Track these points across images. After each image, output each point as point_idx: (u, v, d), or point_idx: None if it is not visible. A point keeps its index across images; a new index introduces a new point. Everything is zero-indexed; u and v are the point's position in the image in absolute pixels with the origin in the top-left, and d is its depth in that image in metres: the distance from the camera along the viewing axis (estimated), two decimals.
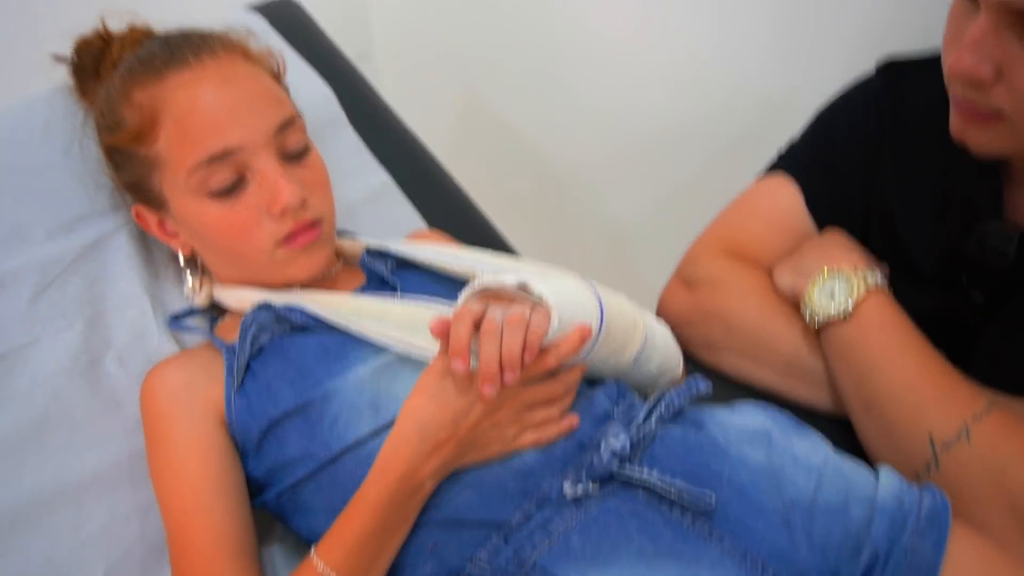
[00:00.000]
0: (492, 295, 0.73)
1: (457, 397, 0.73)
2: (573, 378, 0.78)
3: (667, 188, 1.59)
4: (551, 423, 0.76)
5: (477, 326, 0.70)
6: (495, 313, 0.70)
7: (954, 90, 0.83)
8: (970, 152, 0.85)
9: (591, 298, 0.78)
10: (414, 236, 1.05)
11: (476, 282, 0.73)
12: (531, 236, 1.37)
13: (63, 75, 0.98)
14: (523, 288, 0.72)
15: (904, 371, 0.88)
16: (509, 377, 0.68)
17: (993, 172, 0.91)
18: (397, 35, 1.77)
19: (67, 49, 0.96)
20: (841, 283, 0.94)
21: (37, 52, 0.94)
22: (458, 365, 0.69)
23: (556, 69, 1.60)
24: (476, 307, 0.71)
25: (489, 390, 0.69)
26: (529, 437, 0.76)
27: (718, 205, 1.14)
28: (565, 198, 1.71)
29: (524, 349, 0.68)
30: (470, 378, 0.71)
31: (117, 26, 0.96)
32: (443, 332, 0.69)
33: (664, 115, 1.52)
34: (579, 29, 1.53)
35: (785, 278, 1.01)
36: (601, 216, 1.70)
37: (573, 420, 0.77)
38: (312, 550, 0.74)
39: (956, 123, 0.85)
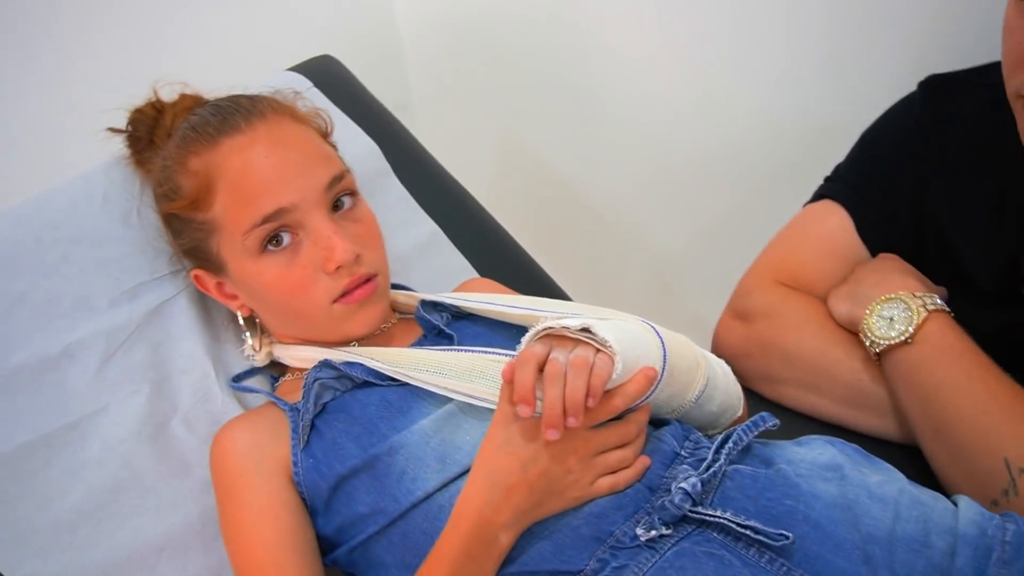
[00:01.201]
0: (555, 338, 0.73)
1: (524, 445, 0.72)
2: (643, 418, 0.77)
3: (709, 219, 1.59)
4: (625, 467, 0.76)
5: (541, 369, 0.70)
6: (559, 356, 0.70)
7: None
8: None
9: (653, 340, 0.78)
10: (465, 285, 1.06)
11: (539, 325, 0.73)
12: (576, 274, 1.37)
13: (119, 146, 1.00)
14: (586, 331, 0.72)
15: (973, 393, 0.86)
16: (572, 421, 0.68)
17: None
18: (432, 83, 1.80)
19: (122, 121, 0.99)
20: (900, 308, 0.93)
21: (93, 125, 0.97)
22: (523, 410, 0.69)
23: (592, 105, 1.61)
24: (539, 350, 0.71)
25: (552, 435, 0.68)
26: (606, 482, 0.75)
27: (762, 233, 1.13)
28: (608, 234, 1.71)
29: (588, 394, 0.68)
30: (537, 424, 0.72)
31: (169, 95, 0.99)
32: (511, 377, 0.70)
33: (703, 145, 1.52)
34: (614, 63, 1.53)
35: (841, 306, 1.00)
36: (645, 249, 1.70)
37: (646, 461, 0.77)
38: None
39: None
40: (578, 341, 0.72)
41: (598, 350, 0.71)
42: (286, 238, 0.86)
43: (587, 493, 0.75)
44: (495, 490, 0.72)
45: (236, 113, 0.88)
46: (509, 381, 0.71)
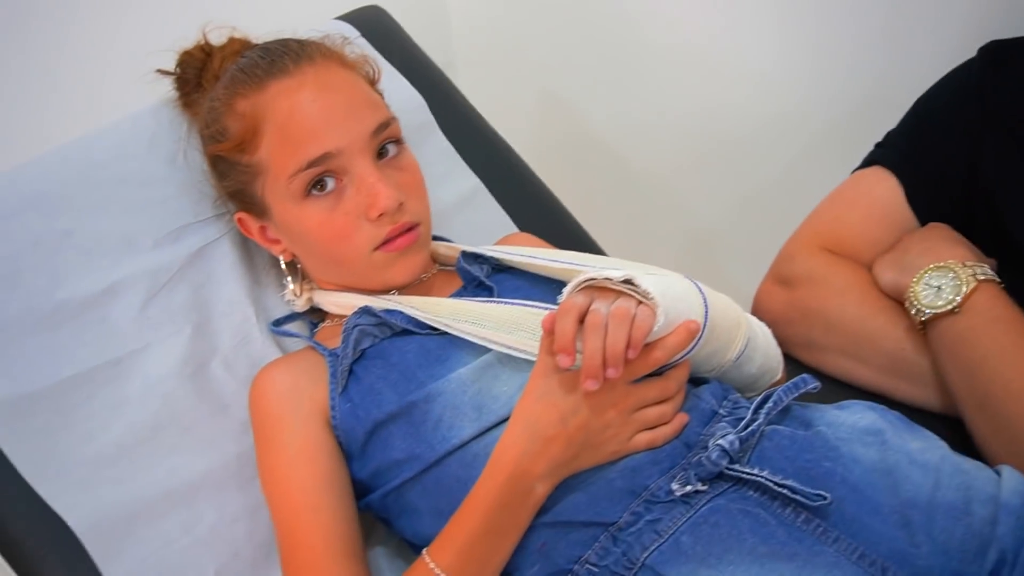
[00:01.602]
0: (596, 290, 0.72)
1: (564, 396, 0.72)
2: (683, 375, 0.77)
3: (752, 188, 1.56)
4: (664, 423, 0.76)
5: (582, 321, 0.70)
6: (600, 307, 0.69)
7: None
8: None
9: (696, 295, 0.77)
10: (506, 240, 1.06)
11: (581, 276, 0.73)
12: (615, 237, 1.35)
13: (167, 88, 1.01)
14: (628, 283, 0.71)
15: (1020, 365, 0.84)
16: (612, 372, 0.68)
17: None
18: (477, 40, 1.78)
19: (170, 63, 0.99)
20: (948, 277, 0.91)
21: (142, 67, 0.98)
22: (563, 360, 0.69)
23: (637, 69, 1.59)
24: (581, 301, 0.70)
25: (591, 385, 0.68)
26: (644, 438, 0.75)
27: (807, 204, 1.11)
28: (649, 197, 1.70)
29: (628, 345, 0.68)
30: (577, 376, 0.71)
31: (217, 39, 0.99)
32: (551, 328, 0.69)
33: (750, 113, 1.49)
34: (662, 26, 1.51)
35: (887, 273, 0.98)
36: (686, 217, 1.68)
37: (684, 418, 0.76)
38: (424, 552, 0.75)
39: None
40: (620, 293, 0.71)
41: (640, 302, 0.70)
42: (330, 183, 0.86)
43: (625, 448, 0.74)
44: (533, 441, 0.72)
45: (285, 56, 0.88)
46: (549, 332, 0.71)
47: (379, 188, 0.85)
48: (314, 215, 0.86)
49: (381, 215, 0.85)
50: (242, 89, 0.88)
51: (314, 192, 0.86)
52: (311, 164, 0.84)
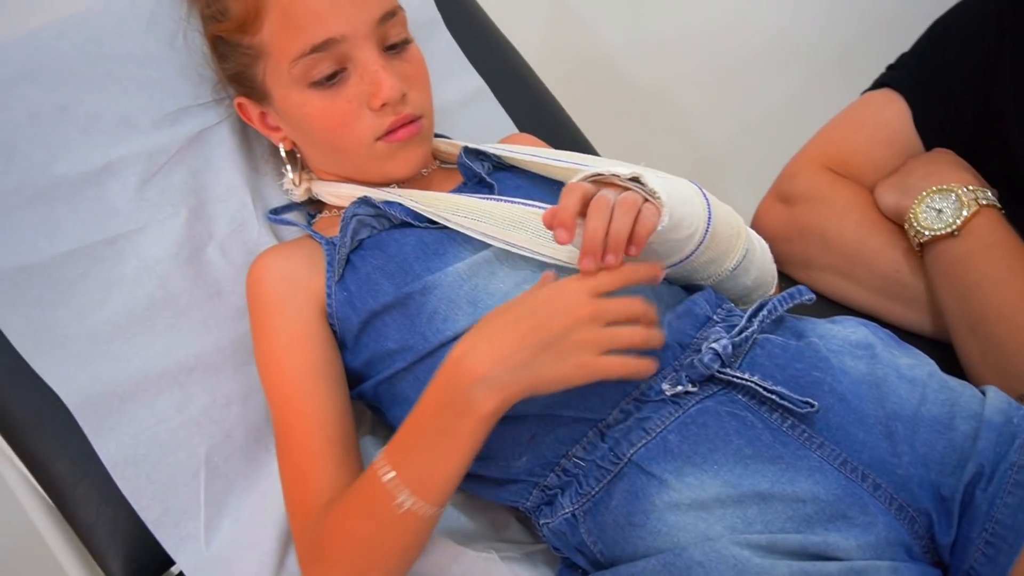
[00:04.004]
0: (604, 184, 0.72)
1: (529, 296, 0.70)
2: (650, 308, 0.71)
3: (761, 110, 1.55)
4: (635, 344, 0.69)
5: (587, 205, 0.69)
6: (608, 193, 0.69)
7: None
8: None
9: (700, 200, 0.77)
10: (509, 139, 1.05)
11: (588, 170, 0.72)
12: (617, 149, 1.34)
13: None
14: (635, 182, 0.71)
15: (1014, 290, 0.85)
16: (611, 258, 0.67)
17: None
18: None
19: None
20: (949, 200, 0.91)
21: None
22: (561, 235, 0.67)
23: None
24: (588, 186, 0.69)
25: (588, 264, 0.67)
26: (616, 360, 0.68)
27: (815, 127, 1.10)
28: (655, 118, 1.68)
29: (631, 241, 0.67)
30: (548, 277, 0.69)
31: None
32: (551, 223, 0.69)
33: (762, 34, 1.47)
34: None
35: (889, 195, 0.98)
36: (692, 138, 1.67)
37: (653, 366, 0.70)
38: (383, 449, 0.73)
39: None
40: (627, 189, 0.71)
41: (646, 200, 0.70)
42: (333, 70, 0.84)
43: (593, 365, 0.67)
44: (481, 338, 0.68)
45: None
46: (549, 224, 0.70)
47: (382, 77, 0.83)
48: (315, 102, 0.85)
49: (384, 105, 0.84)
50: None
51: (317, 78, 0.84)
52: (314, 49, 0.82)
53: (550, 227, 0.69)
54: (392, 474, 0.70)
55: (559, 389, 0.68)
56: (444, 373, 0.69)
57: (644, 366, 0.69)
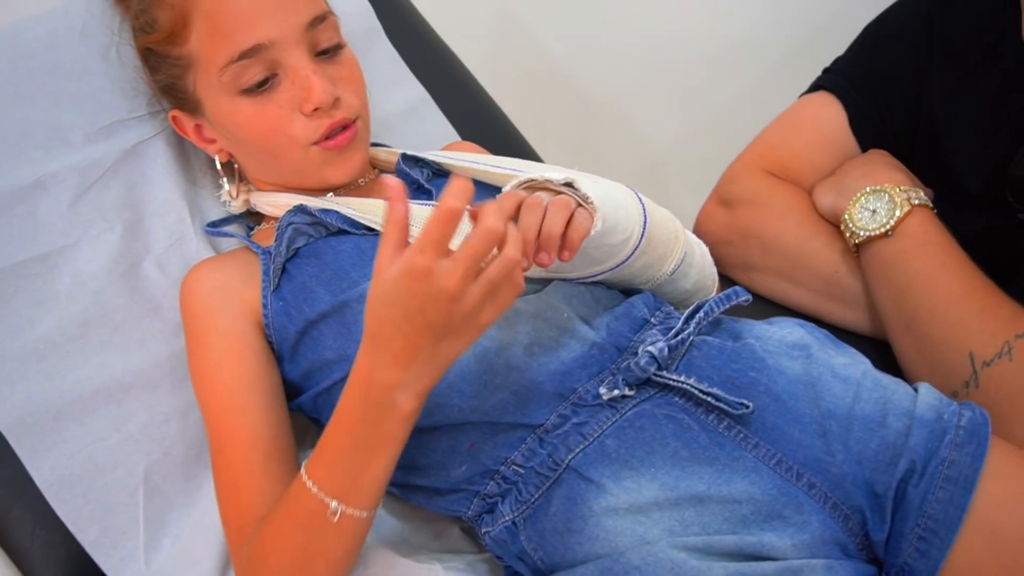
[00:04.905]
0: (538, 189, 0.72)
1: (406, 297, 0.64)
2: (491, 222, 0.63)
3: (705, 114, 1.56)
4: (505, 275, 0.64)
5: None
6: (542, 195, 0.68)
7: None
8: None
9: (636, 205, 0.77)
10: (449, 147, 1.05)
11: (522, 176, 0.72)
12: (562, 157, 1.35)
13: None
14: (569, 187, 0.71)
15: (946, 288, 0.86)
16: (544, 257, 0.66)
17: None
18: None
19: None
20: (883, 200, 0.93)
21: None
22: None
23: None
24: (522, 192, 0.69)
25: (523, 263, 0.64)
26: (489, 310, 0.64)
27: (753, 132, 1.12)
28: (599, 119, 1.69)
29: (563, 246, 0.67)
30: (410, 270, 0.62)
31: None
32: (444, 216, 0.62)
33: (706, 38, 1.48)
34: None
35: (826, 197, 1.00)
36: (636, 140, 1.67)
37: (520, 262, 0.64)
38: (304, 463, 0.72)
39: None
40: (561, 193, 0.71)
41: (579, 205, 0.70)
42: (264, 76, 0.83)
43: (488, 319, 0.65)
44: (380, 354, 0.65)
45: None
46: (447, 220, 0.61)
47: (313, 81, 0.82)
48: (246, 109, 0.84)
49: (316, 109, 0.83)
50: None
51: (246, 85, 0.83)
52: (243, 55, 0.82)
53: (474, 220, 0.65)
54: (319, 486, 0.69)
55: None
56: (356, 390, 0.67)
57: (514, 290, 0.64)
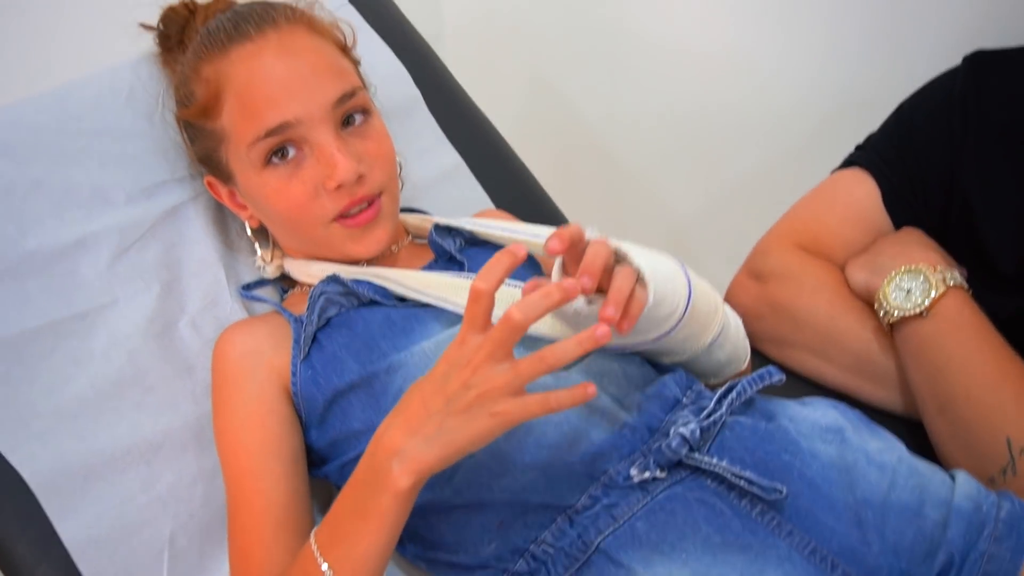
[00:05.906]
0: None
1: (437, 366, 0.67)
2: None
3: (733, 183, 1.57)
4: (551, 394, 0.64)
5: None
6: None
7: None
8: None
9: (681, 277, 0.76)
10: (481, 215, 1.05)
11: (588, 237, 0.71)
12: (592, 222, 1.36)
13: (149, 43, 0.99)
14: (619, 258, 0.71)
15: (982, 371, 0.85)
16: (626, 325, 0.66)
17: None
18: (467, 17, 1.77)
19: (155, 17, 0.98)
20: (918, 280, 0.92)
21: (126, 19, 0.96)
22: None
23: (625, 53, 1.58)
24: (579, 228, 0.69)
25: (611, 312, 0.63)
26: (535, 399, 0.63)
27: (785, 203, 1.12)
28: (628, 186, 1.70)
29: (624, 314, 0.67)
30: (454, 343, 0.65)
31: None
32: (477, 296, 0.65)
33: (735, 108, 1.49)
34: (651, 19, 1.51)
35: (859, 274, 0.99)
36: (664, 206, 1.68)
37: (590, 389, 0.64)
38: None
39: None
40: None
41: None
42: (291, 152, 0.85)
43: (511, 412, 0.63)
44: (396, 412, 0.67)
45: (249, 20, 0.86)
46: (476, 299, 0.64)
47: (337, 159, 0.83)
48: (272, 183, 0.85)
49: (339, 187, 0.84)
50: (207, 54, 0.86)
51: (274, 160, 0.84)
52: (269, 133, 0.83)
53: (476, 300, 0.65)
54: (320, 548, 0.69)
55: (481, 447, 0.64)
56: (368, 450, 0.68)
57: (576, 394, 0.63)
